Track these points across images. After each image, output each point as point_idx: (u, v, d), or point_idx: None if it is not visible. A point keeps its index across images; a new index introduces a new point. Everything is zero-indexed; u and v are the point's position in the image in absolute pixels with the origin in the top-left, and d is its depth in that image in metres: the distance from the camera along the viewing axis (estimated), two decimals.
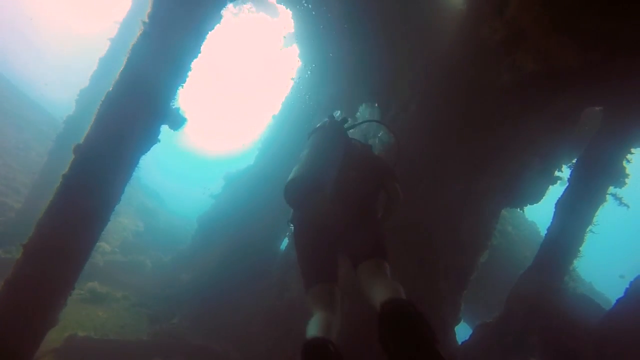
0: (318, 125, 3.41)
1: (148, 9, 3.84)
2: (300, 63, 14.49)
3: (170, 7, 3.79)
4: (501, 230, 9.72)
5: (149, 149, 4.06)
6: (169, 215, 18.42)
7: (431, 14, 8.81)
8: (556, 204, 5.71)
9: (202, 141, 61.23)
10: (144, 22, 3.84)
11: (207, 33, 4.14)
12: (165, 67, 3.88)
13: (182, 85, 4.19)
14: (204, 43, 4.19)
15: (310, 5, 11.90)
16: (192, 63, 4.18)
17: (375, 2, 9.34)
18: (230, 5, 12.60)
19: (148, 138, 3.98)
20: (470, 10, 6.42)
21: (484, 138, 6.64)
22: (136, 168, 4.09)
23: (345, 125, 3.59)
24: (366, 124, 8.95)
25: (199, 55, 4.18)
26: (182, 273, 12.54)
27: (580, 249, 5.64)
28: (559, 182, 7.05)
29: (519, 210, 7.83)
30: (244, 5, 12.45)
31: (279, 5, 13.76)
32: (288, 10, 13.68)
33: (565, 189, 5.75)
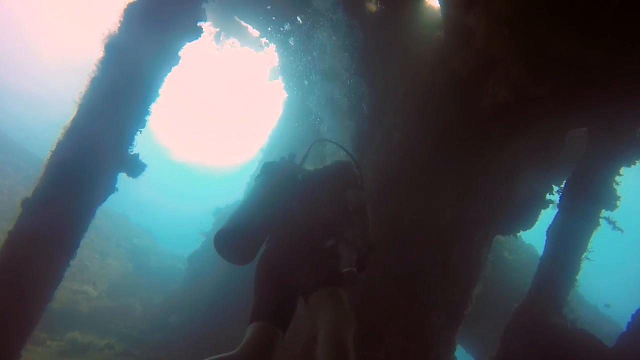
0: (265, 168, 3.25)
1: (99, 54, 3.68)
2: (286, 95, 14.54)
3: (121, 52, 3.63)
4: (497, 256, 9.40)
5: (106, 199, 3.81)
6: (161, 254, 17.99)
7: (411, 41, 8.80)
8: (547, 232, 5.44)
9: (197, 157, 61.36)
10: (95, 68, 3.67)
11: (165, 76, 3.97)
12: (118, 114, 3.69)
13: (141, 131, 3.99)
14: (161, 86, 4.01)
15: (291, 40, 11.99)
16: (151, 106, 3.98)
17: (355, 30, 9.38)
18: (212, 42, 12.69)
19: (103, 188, 3.73)
20: (444, 40, 6.35)
21: (468, 165, 6.44)
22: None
23: (296, 161, 3.41)
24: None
25: (157, 97, 4.00)
26: (171, 315, 12.07)
27: (577, 277, 5.33)
28: (550, 205, 6.81)
29: (512, 236, 7.55)
30: (227, 41, 12.50)
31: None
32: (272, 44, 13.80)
33: (556, 216, 5.49)
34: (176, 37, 3.86)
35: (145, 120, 3.95)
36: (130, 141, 3.87)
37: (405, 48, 8.74)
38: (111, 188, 3.82)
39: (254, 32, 13.78)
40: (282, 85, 14.13)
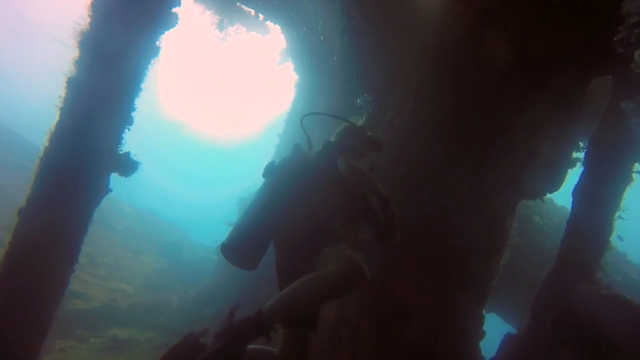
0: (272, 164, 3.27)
1: (75, 53, 3.58)
2: (297, 77, 14.27)
3: (96, 50, 3.51)
4: (527, 222, 8.96)
5: (100, 202, 3.76)
6: (192, 247, 18.40)
7: (417, 3, 8.39)
8: (573, 192, 5.04)
9: (213, 131, 59.58)
10: (73, 68, 3.58)
11: (146, 69, 3.84)
12: (102, 114, 3.59)
13: (129, 128, 3.90)
14: (144, 80, 3.88)
15: (296, 19, 11.66)
16: (135, 101, 3.87)
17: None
18: (215, 30, 12.51)
19: (96, 190, 3.68)
20: None
21: (485, 129, 6.06)
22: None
23: (303, 152, 3.37)
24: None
25: (140, 92, 3.88)
26: (205, 306, 12.34)
27: (610, 239, 4.93)
28: (578, 164, 6.35)
29: (538, 199, 7.09)
30: (231, 28, 12.30)
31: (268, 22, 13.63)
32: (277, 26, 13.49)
33: (582, 174, 5.08)
34: (151, 27, 3.70)
35: (132, 117, 3.85)
36: (118, 140, 3.80)
37: (411, 11, 8.33)
38: (105, 190, 3.77)
39: (259, 15, 13.49)
40: (293, 67, 13.89)
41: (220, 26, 11.65)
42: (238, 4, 12.17)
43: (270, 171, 3.15)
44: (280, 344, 2.64)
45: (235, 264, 3.03)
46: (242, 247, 2.89)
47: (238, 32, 12.40)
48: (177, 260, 16.14)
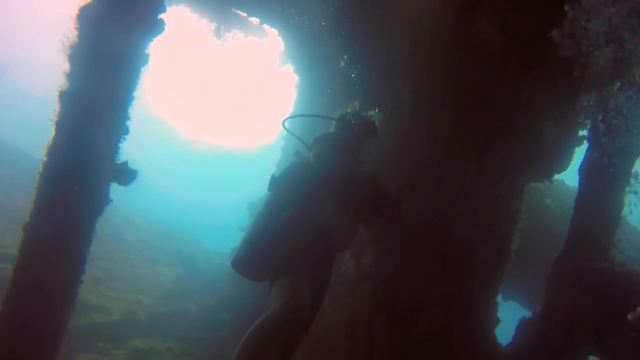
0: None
1: (66, 68, 3.63)
2: (297, 78, 14.25)
3: (86, 62, 3.56)
4: (538, 205, 8.81)
5: (102, 212, 3.81)
6: (207, 255, 18.53)
7: None
8: (579, 170, 4.93)
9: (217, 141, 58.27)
10: (65, 81, 3.63)
11: (137, 77, 3.88)
12: (97, 125, 3.64)
13: (125, 137, 3.94)
14: (136, 89, 3.92)
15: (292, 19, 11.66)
16: (129, 111, 3.91)
17: None
18: (213, 38, 12.59)
19: (96, 201, 3.73)
20: None
21: (485, 114, 5.98)
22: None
23: (303, 155, 3.48)
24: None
25: (133, 100, 3.91)
26: (222, 312, 12.40)
27: (622, 215, 4.81)
28: (585, 142, 6.21)
29: (547, 181, 6.96)
30: (227, 34, 12.35)
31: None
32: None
33: (587, 150, 4.97)
34: (138, 35, 3.73)
35: (127, 126, 3.89)
36: (115, 150, 3.84)
37: (404, 3, 8.27)
38: (105, 200, 3.81)
39: (255, 20, 13.52)
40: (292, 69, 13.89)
41: (218, 33, 11.70)
42: (233, 9, 12.22)
43: (273, 184, 3.23)
44: None
45: (246, 276, 3.18)
46: (250, 260, 3.04)
47: (235, 38, 12.43)
48: (192, 269, 16.26)
